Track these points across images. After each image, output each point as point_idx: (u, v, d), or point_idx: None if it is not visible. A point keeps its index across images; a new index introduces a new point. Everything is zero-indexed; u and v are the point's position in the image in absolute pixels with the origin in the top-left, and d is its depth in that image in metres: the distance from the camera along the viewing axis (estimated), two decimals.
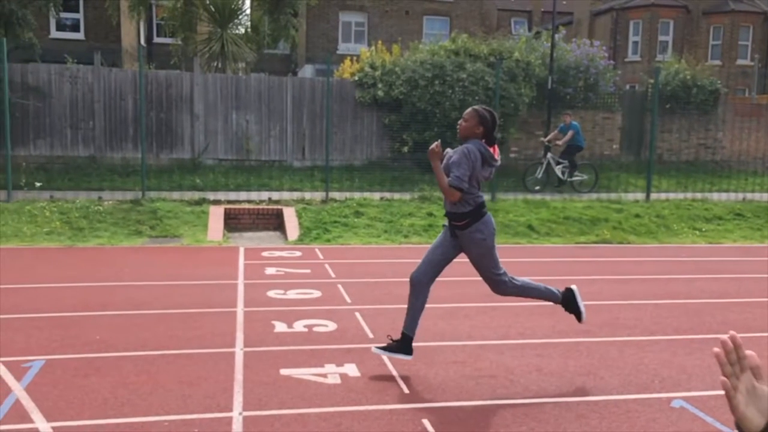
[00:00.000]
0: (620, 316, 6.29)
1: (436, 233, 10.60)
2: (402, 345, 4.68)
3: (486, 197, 12.84)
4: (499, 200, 12.87)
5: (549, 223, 11.46)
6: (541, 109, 16.91)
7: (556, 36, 17.28)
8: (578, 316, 4.88)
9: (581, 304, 4.86)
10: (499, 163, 4.51)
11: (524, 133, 17.03)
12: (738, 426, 1.02)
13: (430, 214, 11.55)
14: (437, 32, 22.51)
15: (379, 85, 15.64)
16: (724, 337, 1.07)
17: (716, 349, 1.05)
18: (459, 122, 4.57)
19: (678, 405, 4.20)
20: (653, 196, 13.85)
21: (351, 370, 4.65)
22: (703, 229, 11.81)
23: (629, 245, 10.65)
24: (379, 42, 18.65)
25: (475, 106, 4.57)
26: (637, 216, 12.18)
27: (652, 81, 17.31)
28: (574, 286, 4.90)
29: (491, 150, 4.49)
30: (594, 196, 13.86)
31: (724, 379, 1.02)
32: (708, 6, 30.10)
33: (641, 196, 13.93)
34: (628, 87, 24.99)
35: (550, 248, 10.17)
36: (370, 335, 5.49)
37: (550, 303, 4.95)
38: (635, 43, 29.86)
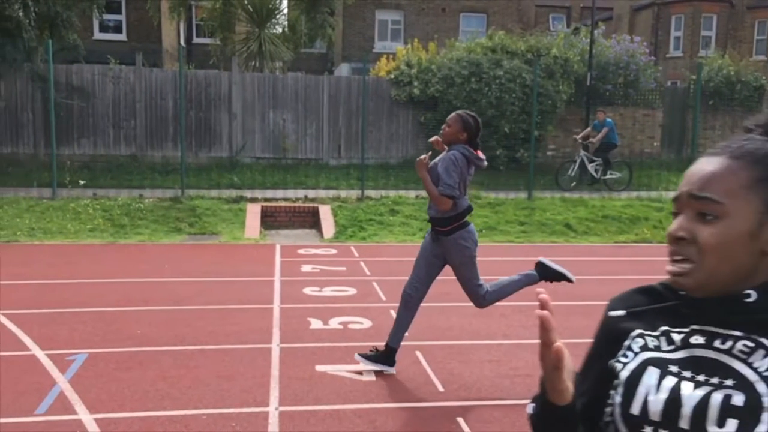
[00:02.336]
0: None
1: None
2: (385, 356, 4.61)
3: (522, 195, 12.80)
4: (535, 198, 12.76)
5: (587, 222, 11.32)
6: (580, 106, 16.69)
7: (596, 32, 17.04)
8: (566, 279, 4.75)
9: (559, 267, 4.75)
10: (485, 163, 4.51)
11: (562, 130, 16.83)
12: (546, 399, 0.96)
13: None
14: (474, 29, 22.38)
15: (415, 83, 15.63)
16: (544, 296, 0.97)
17: (544, 312, 0.94)
18: (442, 127, 4.54)
19: None
20: None
21: (389, 370, 4.67)
22: None
23: None
24: (416, 40, 18.61)
25: (459, 111, 4.56)
26: None
27: (694, 77, 16.94)
28: (541, 258, 4.83)
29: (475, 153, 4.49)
30: (634, 194, 13.63)
31: (560, 345, 0.93)
32: (752, 0, 29.33)
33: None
34: (669, 83, 24.50)
35: (588, 247, 10.05)
36: (405, 333, 5.50)
37: (534, 286, 4.81)
38: (677, 38, 29.25)
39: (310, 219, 11.58)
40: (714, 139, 18.58)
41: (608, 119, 14.71)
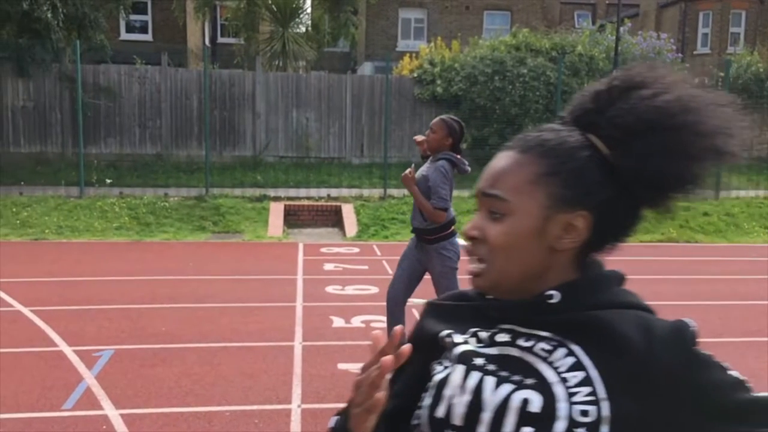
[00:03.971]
0: (685, 317, 6.10)
1: None
2: None
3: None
4: None
5: None
6: None
7: (622, 29, 16.84)
8: None
9: None
10: (469, 168, 4.46)
11: None
12: (347, 427, 0.87)
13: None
14: (498, 27, 22.27)
15: (438, 82, 15.58)
16: (378, 332, 0.89)
17: (388, 358, 0.82)
18: (426, 133, 4.51)
19: None
20: (723, 193, 13.35)
21: None
22: None
23: (696, 244, 10.31)
24: (439, 38, 18.56)
25: (443, 117, 4.53)
26: (706, 214, 11.78)
27: (722, 74, 16.68)
28: None
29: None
30: None
31: (383, 395, 0.83)
32: None
33: (710, 193, 13.45)
34: (696, 80, 24.15)
35: None
36: None
37: None
38: (705, 35, 28.82)
39: (332, 218, 11.61)
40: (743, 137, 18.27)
41: None
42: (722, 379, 0.84)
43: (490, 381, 0.87)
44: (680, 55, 19.74)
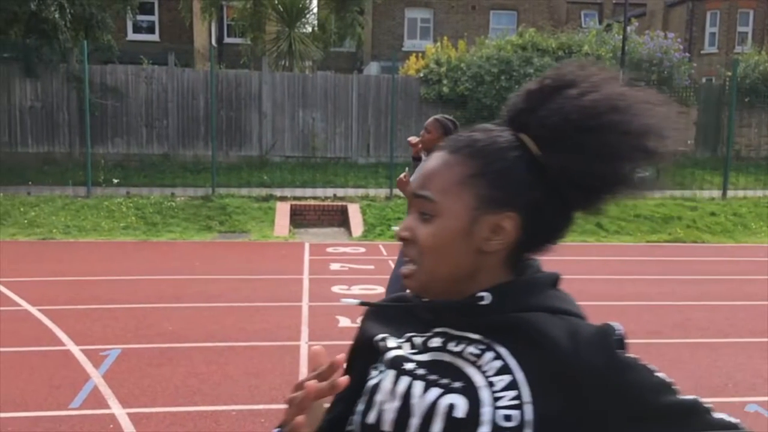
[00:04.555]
0: (693, 317, 6.09)
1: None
2: None
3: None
4: None
5: (619, 221, 11.17)
6: None
7: (628, 28, 16.80)
8: None
9: None
10: None
11: None
12: None
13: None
14: (504, 27, 22.26)
15: (444, 82, 15.58)
16: (316, 348, 0.89)
17: (343, 380, 0.82)
18: (421, 133, 4.47)
19: (753, 410, 4.04)
20: (730, 193, 13.30)
21: None
22: None
23: (704, 244, 10.27)
24: (445, 38, 18.54)
25: (437, 116, 4.51)
26: (713, 214, 11.74)
27: (729, 74, 16.60)
28: None
29: None
30: (667, 193, 13.41)
31: (301, 418, 0.83)
32: None
33: (717, 193, 13.40)
34: (704, 80, 24.06)
35: (620, 247, 9.91)
36: None
37: None
38: (712, 34, 28.70)
39: (338, 217, 11.62)
40: (750, 137, 18.20)
41: None
42: (647, 381, 0.83)
43: (418, 386, 0.87)
44: (687, 54, 19.65)
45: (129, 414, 3.87)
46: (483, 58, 15.65)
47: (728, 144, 13.66)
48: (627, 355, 0.85)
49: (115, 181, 12.75)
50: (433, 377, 0.87)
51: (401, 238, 0.92)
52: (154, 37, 25.62)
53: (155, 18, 25.81)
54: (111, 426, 3.74)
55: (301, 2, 18.75)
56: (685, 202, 12.46)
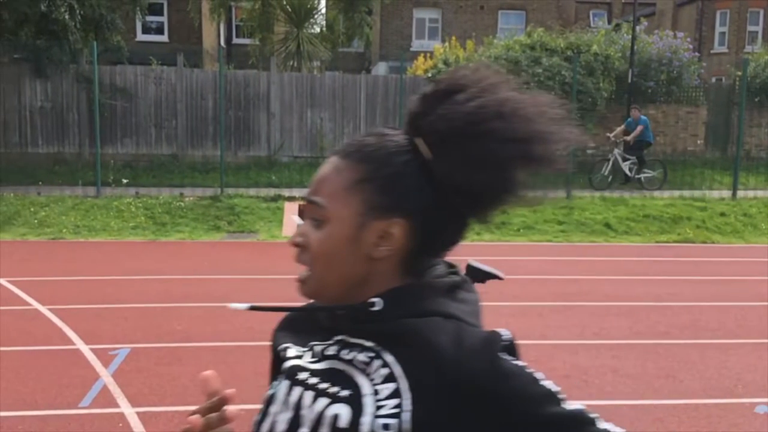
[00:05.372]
0: (702, 318, 6.06)
1: (509, 231, 10.49)
2: None
3: (561, 194, 12.63)
4: (574, 197, 12.59)
5: (627, 222, 11.13)
6: (621, 104, 16.41)
7: (638, 28, 16.73)
8: (496, 277, 4.59)
9: (487, 267, 4.59)
10: None
11: (602, 128, 16.56)
12: None
13: (503, 211, 11.37)
14: (513, 27, 22.23)
15: None
16: (206, 373, 0.90)
17: (233, 414, 0.85)
18: None
19: (762, 411, 4.01)
20: (740, 193, 13.22)
21: None
22: None
23: (713, 245, 10.22)
24: (453, 38, 18.52)
25: None
26: (723, 214, 11.67)
27: (739, 73, 16.51)
28: (470, 260, 4.68)
29: None
30: (676, 193, 13.35)
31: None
32: None
33: (727, 193, 13.33)
34: (714, 80, 23.93)
35: (629, 247, 9.88)
36: None
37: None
38: (722, 34, 28.56)
39: None
40: (760, 136, 18.09)
41: (643, 117, 14.41)
42: (529, 391, 0.82)
43: (308, 396, 0.87)
44: (697, 54, 19.54)
45: (138, 413, 3.89)
46: (491, 58, 15.61)
47: (738, 144, 13.58)
48: (513, 363, 0.83)
49: (125, 181, 12.80)
50: (323, 386, 0.86)
51: (294, 244, 0.91)
52: (163, 38, 25.73)
53: (164, 19, 25.92)
54: (120, 425, 3.76)
55: (310, 3, 18.78)
56: (694, 202, 12.40)
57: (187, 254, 8.75)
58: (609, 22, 27.03)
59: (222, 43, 26.69)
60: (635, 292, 6.96)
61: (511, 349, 0.86)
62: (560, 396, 0.84)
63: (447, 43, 17.54)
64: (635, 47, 16.07)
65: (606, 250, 9.53)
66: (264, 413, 0.92)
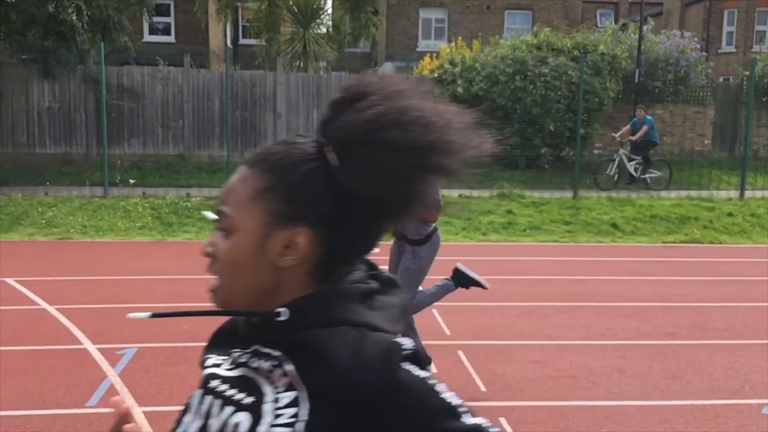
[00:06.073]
0: (709, 319, 6.03)
1: (516, 231, 10.47)
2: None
3: (567, 195, 12.61)
4: (581, 198, 12.57)
5: (634, 222, 11.10)
6: (628, 104, 16.36)
7: (645, 27, 16.68)
8: (480, 285, 4.57)
9: (474, 274, 4.56)
10: None
11: (609, 128, 16.53)
12: None
13: (510, 212, 11.40)
14: (519, 27, 22.19)
15: (459, 82, 15.55)
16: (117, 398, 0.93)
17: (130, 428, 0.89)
18: None
19: None
20: (748, 193, 13.17)
21: (428, 368, 4.66)
22: None
23: (721, 245, 10.18)
24: (459, 38, 18.50)
25: None
26: (730, 215, 11.62)
27: (747, 73, 16.44)
28: (458, 264, 4.66)
29: None
30: (683, 193, 13.30)
31: None
32: None
33: (735, 193, 13.27)
34: (721, 80, 23.83)
35: (635, 247, 9.85)
36: (447, 332, 5.49)
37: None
38: (730, 33, 28.44)
39: None
40: None
41: (648, 117, 14.37)
42: (427, 404, 0.81)
43: (216, 404, 0.87)
44: (704, 53, 19.48)
45: (145, 412, 3.90)
46: (498, 58, 15.60)
47: (746, 144, 13.52)
48: (413, 374, 0.82)
49: (132, 181, 12.85)
50: (230, 393, 0.87)
51: (206, 254, 0.91)
52: (170, 39, 25.81)
53: (171, 20, 26.00)
54: None
55: (316, 3, 18.80)
56: (702, 202, 12.35)
57: (194, 254, 8.74)
58: (616, 22, 26.95)
59: (228, 43, 26.74)
60: (642, 292, 6.94)
61: (416, 359, 0.84)
62: (460, 410, 0.84)
63: (453, 43, 17.52)
64: (642, 47, 16.02)
65: (613, 251, 9.50)
66: (178, 422, 0.93)
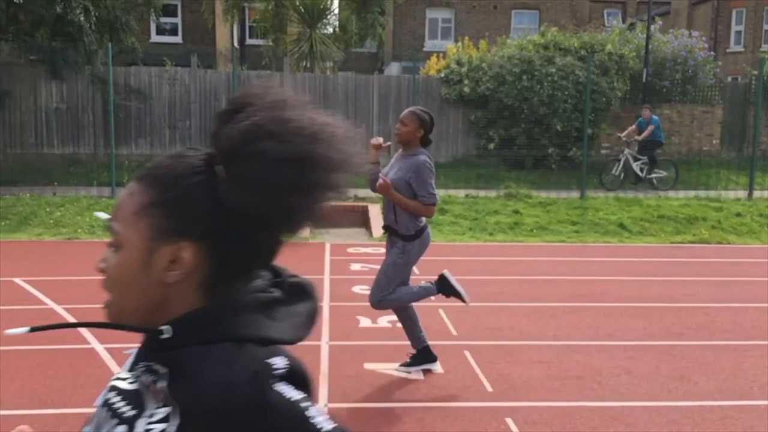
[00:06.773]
0: (717, 319, 6.00)
1: (522, 231, 10.45)
2: (422, 356, 4.55)
3: (574, 195, 12.58)
4: (588, 198, 12.53)
5: (642, 222, 11.06)
6: (635, 103, 16.31)
7: (652, 27, 16.63)
8: (460, 298, 4.54)
9: (458, 286, 4.53)
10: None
11: (617, 128, 16.49)
12: None
13: (516, 212, 11.38)
14: (526, 26, 22.12)
15: (466, 82, 15.53)
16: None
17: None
18: (397, 126, 4.37)
19: None
20: (756, 194, 13.10)
21: (434, 366, 4.66)
22: None
23: (729, 245, 10.13)
24: (466, 38, 18.48)
25: (413, 109, 4.42)
26: (739, 215, 11.57)
27: (756, 72, 16.36)
28: (445, 271, 4.64)
29: None
30: (691, 193, 13.25)
31: None
32: None
33: (743, 194, 13.21)
34: (729, 79, 23.73)
35: (643, 248, 9.81)
36: (454, 332, 5.48)
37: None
38: (738, 32, 28.32)
39: (359, 218, 11.63)
40: None
41: (654, 116, 14.32)
42: (294, 428, 0.80)
43: (107, 417, 0.87)
44: (712, 53, 19.39)
45: None
46: (504, 58, 15.57)
47: (754, 144, 13.46)
48: (285, 396, 0.81)
49: None
50: (118, 406, 0.87)
51: (99, 270, 0.90)
52: (177, 39, 25.88)
53: (178, 20, 26.08)
54: None
55: (323, 3, 18.82)
56: (710, 202, 12.30)
57: None
58: (623, 22, 26.86)
59: (235, 43, 26.81)
60: (650, 293, 6.91)
61: (293, 378, 0.83)
62: None
63: (460, 43, 17.50)
64: (650, 46, 15.98)
65: (620, 251, 9.47)
66: None
